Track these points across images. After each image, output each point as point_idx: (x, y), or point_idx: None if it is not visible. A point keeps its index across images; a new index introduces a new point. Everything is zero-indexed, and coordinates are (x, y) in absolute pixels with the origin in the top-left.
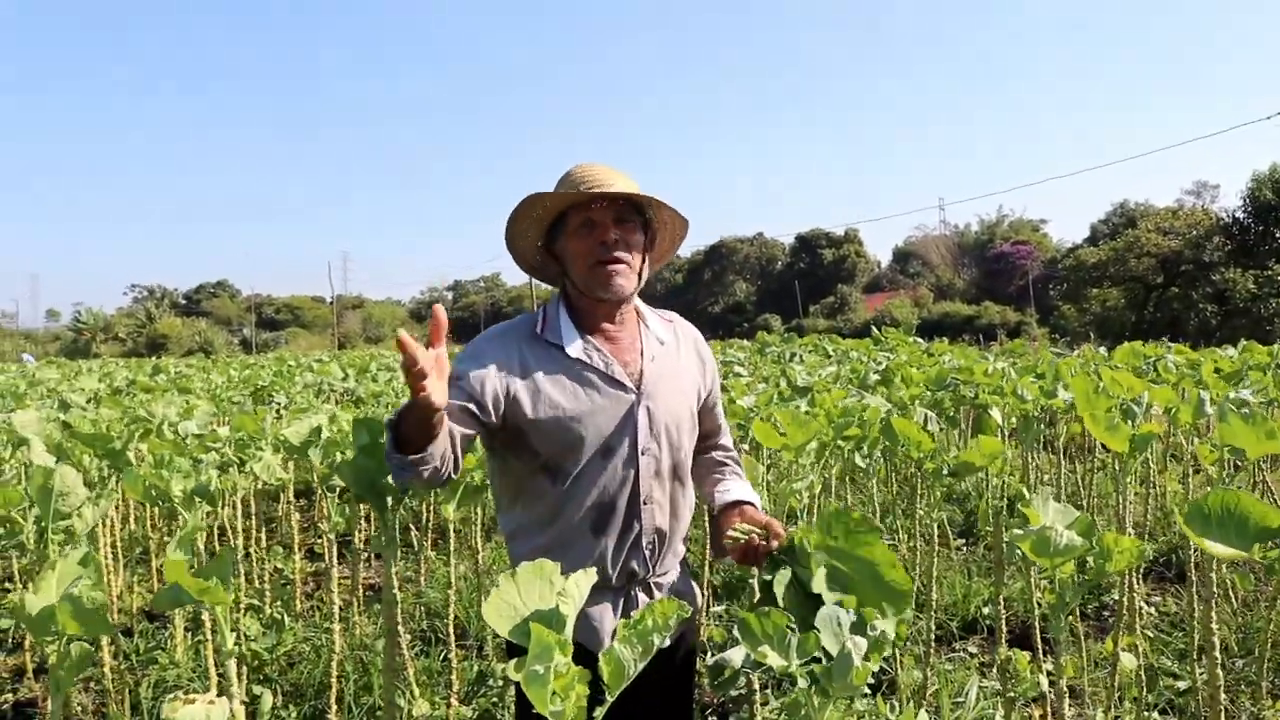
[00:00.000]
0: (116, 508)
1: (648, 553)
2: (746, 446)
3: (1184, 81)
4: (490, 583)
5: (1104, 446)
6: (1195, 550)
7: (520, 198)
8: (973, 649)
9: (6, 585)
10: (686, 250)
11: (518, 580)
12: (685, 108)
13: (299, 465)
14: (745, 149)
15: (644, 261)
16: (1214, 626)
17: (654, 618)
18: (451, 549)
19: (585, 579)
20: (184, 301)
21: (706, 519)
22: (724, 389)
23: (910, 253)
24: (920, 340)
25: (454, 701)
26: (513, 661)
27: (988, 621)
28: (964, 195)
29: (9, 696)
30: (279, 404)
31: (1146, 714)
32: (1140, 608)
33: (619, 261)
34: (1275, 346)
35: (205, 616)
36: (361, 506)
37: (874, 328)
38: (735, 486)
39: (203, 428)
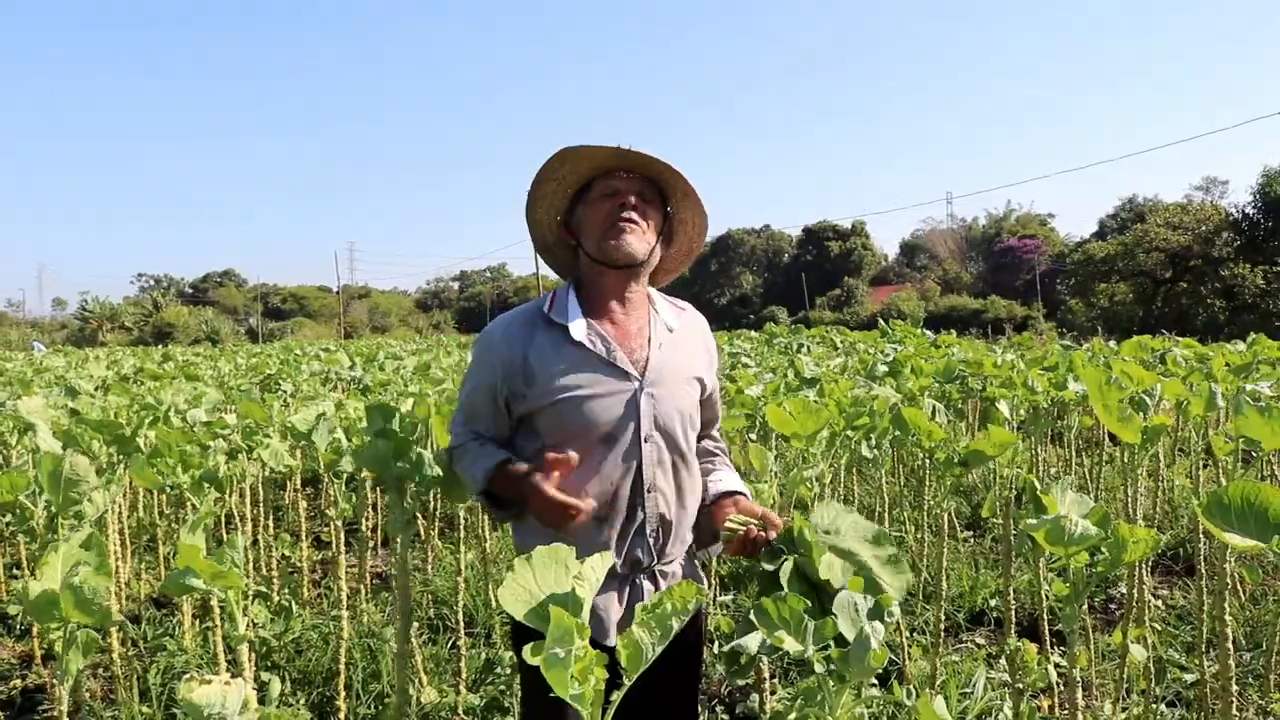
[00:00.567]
0: (124, 495)
1: (652, 541)
2: (754, 435)
3: (1192, 77)
4: (497, 571)
5: (1112, 440)
6: (1206, 543)
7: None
8: (980, 640)
9: (15, 572)
10: None
11: (533, 564)
12: (692, 101)
13: (306, 453)
14: (752, 141)
15: (657, 242)
16: (1228, 617)
17: (672, 601)
18: (461, 537)
19: (601, 563)
20: (190, 291)
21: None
22: (732, 379)
23: (917, 246)
24: (928, 333)
25: (462, 689)
26: (529, 645)
27: (995, 613)
28: (971, 189)
29: (17, 683)
30: (286, 392)
31: (1155, 706)
32: (1148, 600)
33: (634, 223)
34: None
35: (214, 603)
36: (368, 494)
37: (881, 320)
38: (727, 477)
39: (211, 415)
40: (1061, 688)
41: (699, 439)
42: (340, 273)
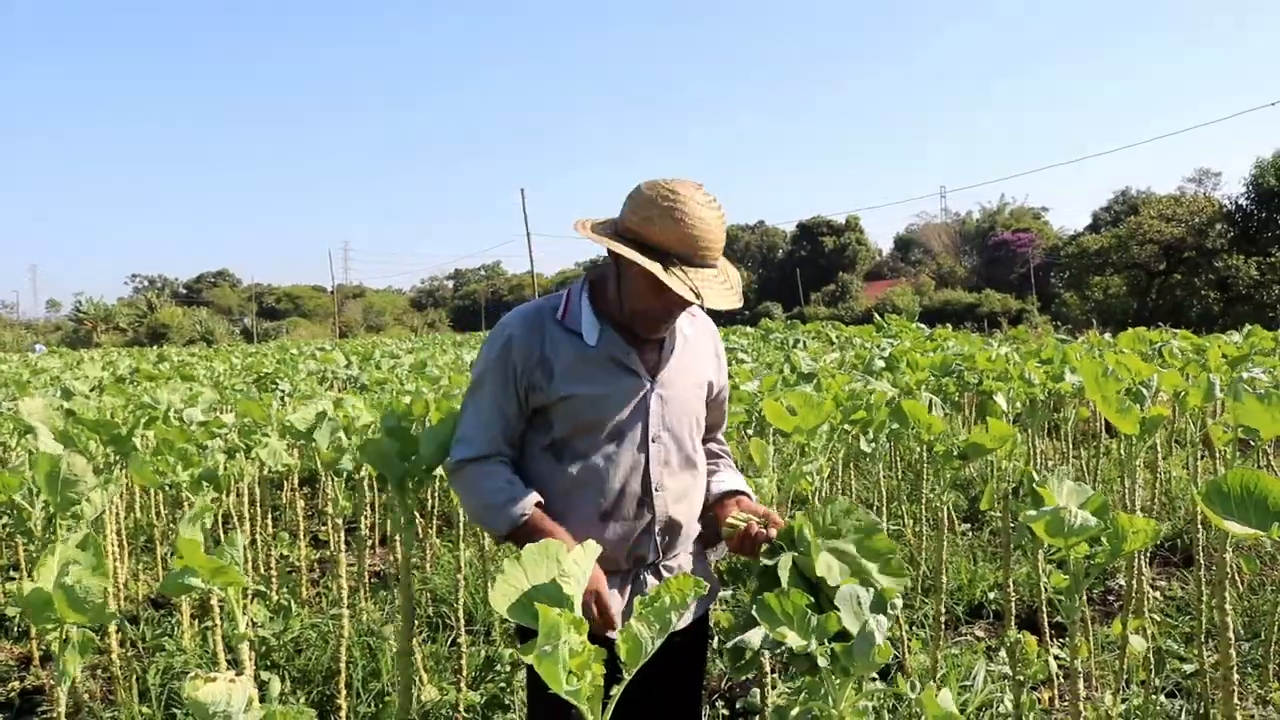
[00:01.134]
0: (121, 495)
1: (659, 539)
2: (752, 430)
3: (1185, 69)
4: (496, 568)
5: (1109, 432)
6: (1204, 533)
7: (629, 251)
8: (979, 633)
9: (12, 574)
10: None
11: (523, 562)
12: (686, 95)
13: (304, 452)
14: (746, 137)
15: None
16: (1228, 607)
17: (670, 595)
18: (460, 534)
19: (586, 555)
20: (185, 291)
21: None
22: (728, 375)
23: (911, 240)
24: (923, 327)
25: (463, 686)
26: (525, 643)
27: (994, 606)
28: (965, 183)
29: (16, 685)
30: (284, 391)
31: (1154, 697)
32: (1146, 591)
33: (672, 319)
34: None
35: (213, 601)
36: (366, 492)
37: (876, 315)
38: (730, 477)
39: (208, 414)
40: (1061, 679)
41: (704, 441)
42: (335, 272)
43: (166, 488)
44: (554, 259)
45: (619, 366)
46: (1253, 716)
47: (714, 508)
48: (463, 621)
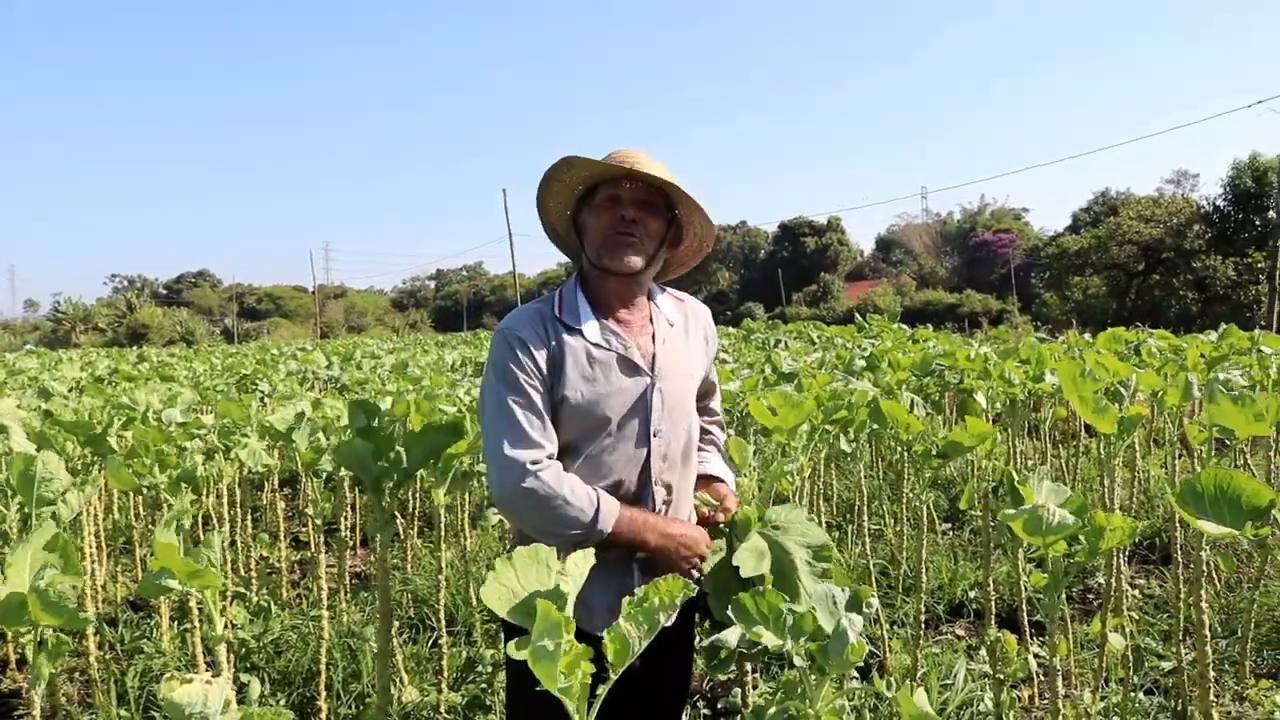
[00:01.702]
0: (99, 497)
1: None
2: (733, 429)
3: (1163, 71)
4: (477, 570)
5: (1088, 432)
6: (1182, 532)
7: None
8: (960, 632)
9: None
10: None
11: (515, 563)
12: (667, 95)
13: (284, 453)
14: (728, 137)
15: (660, 249)
16: (1205, 605)
17: (659, 595)
18: (441, 535)
19: (584, 560)
20: (164, 291)
21: None
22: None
23: (893, 241)
24: (905, 327)
25: (444, 688)
26: (514, 640)
27: (974, 605)
28: (946, 184)
29: None
30: (263, 392)
31: (1133, 694)
32: (1125, 590)
33: (632, 236)
34: (1256, 331)
35: (192, 603)
36: (347, 493)
37: (858, 315)
38: (712, 460)
39: (186, 415)
40: (1041, 677)
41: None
42: (316, 272)
43: (145, 489)
44: (536, 260)
45: (623, 363)
46: (1230, 713)
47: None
48: (444, 623)
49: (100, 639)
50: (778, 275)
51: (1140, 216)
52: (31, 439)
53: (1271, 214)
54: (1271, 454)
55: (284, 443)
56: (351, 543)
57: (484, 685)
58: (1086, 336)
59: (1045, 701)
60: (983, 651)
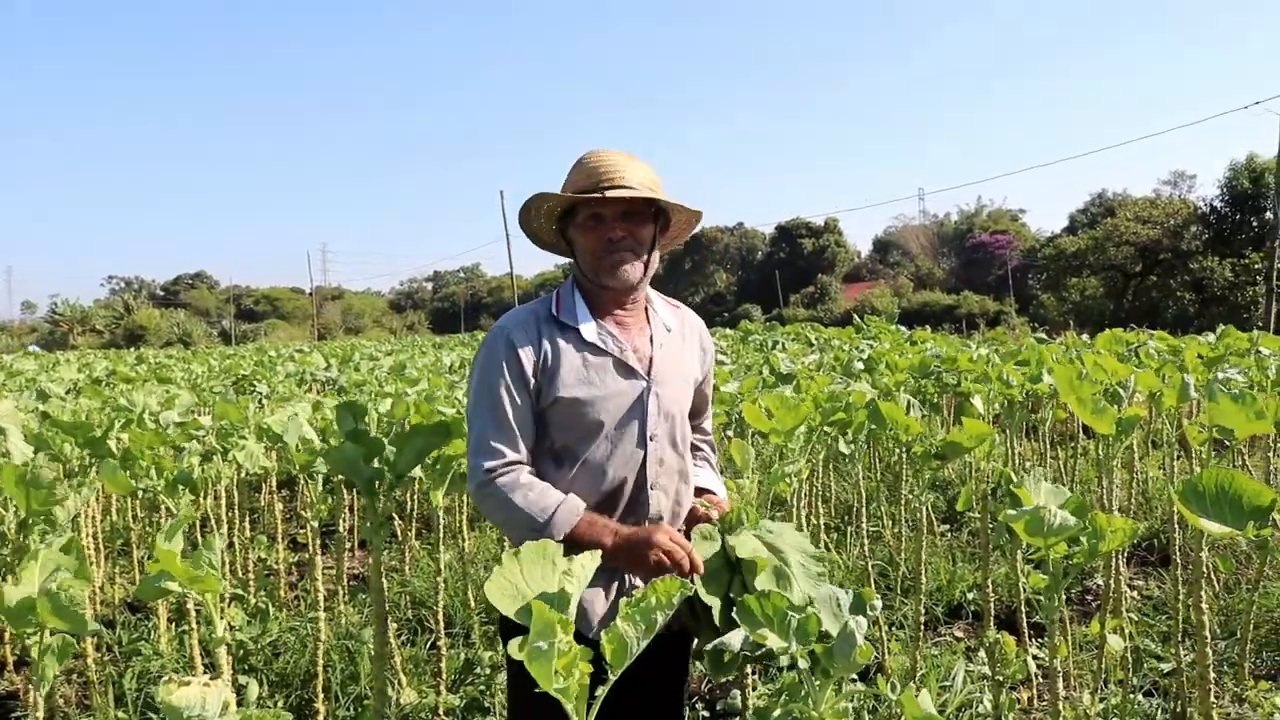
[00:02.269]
0: (96, 499)
1: None
2: (731, 431)
3: (1159, 72)
4: (476, 572)
5: (1086, 433)
6: (1181, 533)
7: (530, 193)
8: (958, 633)
9: None
10: None
11: (520, 561)
12: (665, 96)
13: (281, 455)
14: (726, 138)
15: (653, 249)
16: (1205, 606)
17: (657, 595)
18: (440, 536)
19: (590, 560)
20: (162, 293)
21: None
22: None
23: (890, 242)
24: (903, 328)
25: (442, 689)
26: (513, 640)
27: (973, 606)
28: (943, 185)
29: None
30: (261, 393)
31: (1132, 696)
32: (1124, 591)
33: (623, 252)
34: (1254, 332)
35: (190, 605)
36: (345, 495)
37: (856, 316)
38: (704, 474)
39: (184, 417)
40: (1040, 679)
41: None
42: (313, 274)
43: (143, 492)
44: (533, 262)
45: (619, 366)
46: (1229, 714)
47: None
48: (442, 624)
49: (98, 641)
50: (775, 277)
51: (1137, 218)
52: (29, 441)
53: (1269, 215)
54: (1270, 455)
55: (282, 444)
56: (349, 544)
57: (482, 687)
58: (1085, 337)
59: (1044, 703)
60: (981, 653)
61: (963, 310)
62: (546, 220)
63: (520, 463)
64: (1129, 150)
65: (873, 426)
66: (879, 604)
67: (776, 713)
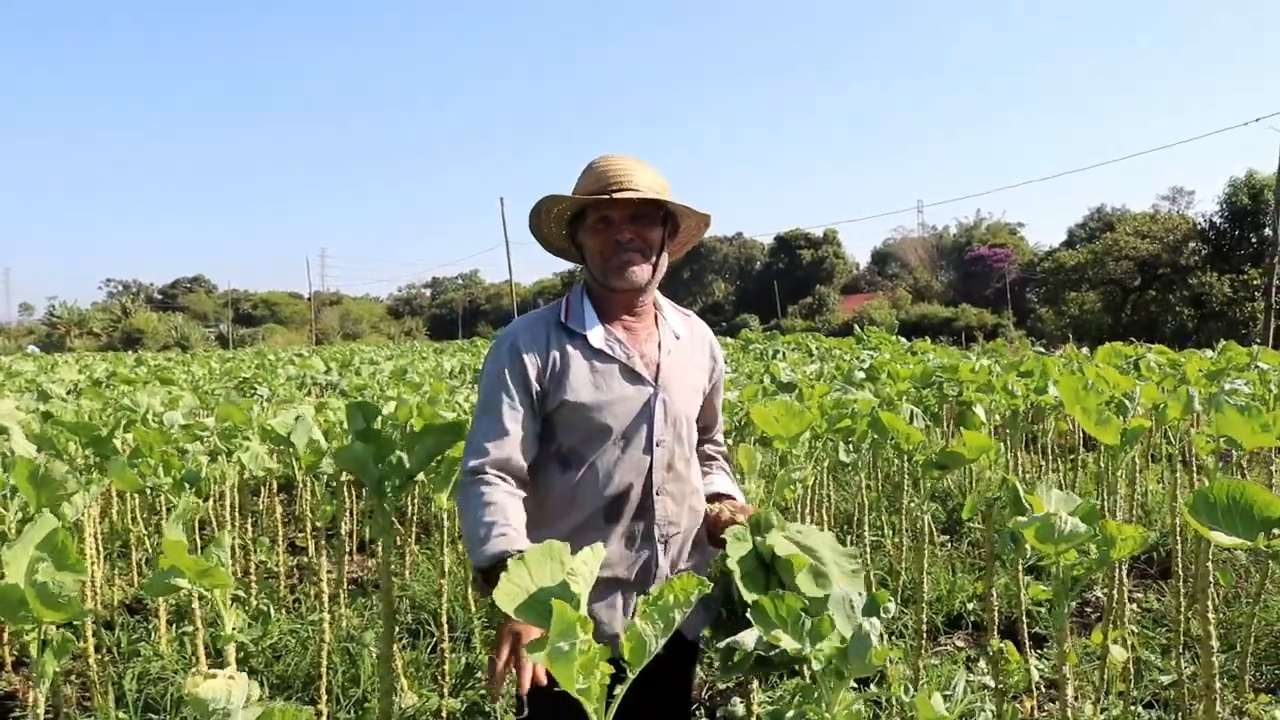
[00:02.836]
0: (96, 500)
1: (661, 546)
2: (733, 438)
3: (1159, 88)
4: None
5: (1087, 446)
6: (1182, 545)
7: (529, 201)
8: (959, 643)
9: None
10: None
11: (527, 562)
12: (664, 107)
13: (282, 458)
14: (724, 149)
15: (662, 252)
16: (1210, 617)
17: (674, 594)
18: (443, 539)
19: (594, 557)
20: (160, 297)
21: None
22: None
23: (888, 254)
24: (903, 340)
25: (444, 693)
26: (531, 641)
27: (973, 616)
28: (942, 198)
29: None
30: (263, 396)
31: (1133, 708)
32: (1125, 603)
33: (632, 258)
34: (1254, 347)
35: (194, 605)
36: (346, 497)
37: (855, 327)
38: (720, 480)
39: (188, 418)
40: (1042, 689)
41: (700, 443)
42: (312, 279)
43: (146, 491)
44: (533, 268)
45: (626, 371)
46: None
47: (705, 510)
48: (445, 628)
49: (98, 641)
50: (773, 287)
51: (1136, 232)
52: (32, 440)
53: (1268, 231)
54: (1271, 469)
55: (284, 446)
56: (350, 548)
57: (483, 691)
58: (1084, 351)
59: (1045, 714)
60: (982, 663)
61: (961, 323)
62: (557, 225)
63: (506, 461)
64: (1128, 165)
65: (875, 435)
66: (892, 606)
67: (790, 715)
